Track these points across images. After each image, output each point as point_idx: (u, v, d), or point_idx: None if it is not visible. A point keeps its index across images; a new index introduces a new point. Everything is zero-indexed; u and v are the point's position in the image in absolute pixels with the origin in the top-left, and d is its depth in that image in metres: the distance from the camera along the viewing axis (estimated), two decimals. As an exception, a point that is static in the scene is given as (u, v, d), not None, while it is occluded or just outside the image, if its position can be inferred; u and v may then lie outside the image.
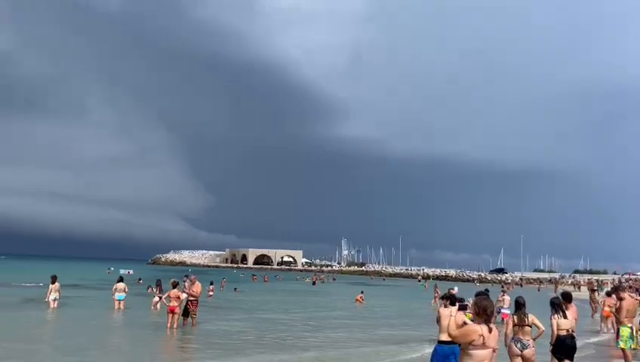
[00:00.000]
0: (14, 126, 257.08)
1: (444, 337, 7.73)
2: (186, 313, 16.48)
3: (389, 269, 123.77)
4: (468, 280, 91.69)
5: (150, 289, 26.21)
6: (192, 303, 16.58)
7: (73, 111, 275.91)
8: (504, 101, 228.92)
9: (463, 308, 7.51)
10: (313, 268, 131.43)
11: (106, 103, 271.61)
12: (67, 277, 42.70)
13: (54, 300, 20.34)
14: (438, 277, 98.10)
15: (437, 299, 31.06)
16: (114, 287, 21.65)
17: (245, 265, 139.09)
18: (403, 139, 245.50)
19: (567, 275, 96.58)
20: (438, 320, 8.21)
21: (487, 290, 10.20)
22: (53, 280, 20.75)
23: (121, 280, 22.22)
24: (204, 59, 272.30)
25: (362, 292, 32.97)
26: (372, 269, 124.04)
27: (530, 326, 8.56)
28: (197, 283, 17.14)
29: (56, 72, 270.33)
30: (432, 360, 8.03)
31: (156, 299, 21.74)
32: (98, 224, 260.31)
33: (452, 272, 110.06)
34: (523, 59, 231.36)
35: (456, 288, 16.57)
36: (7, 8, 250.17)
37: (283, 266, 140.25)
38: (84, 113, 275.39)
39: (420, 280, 71.18)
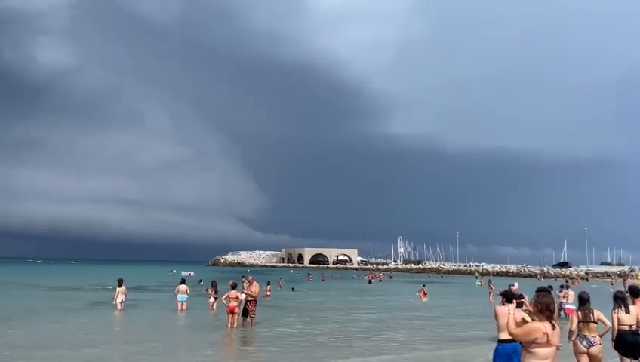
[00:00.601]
0: (78, 137, 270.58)
1: (504, 336, 7.53)
2: (245, 313, 16.82)
3: (447, 266, 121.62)
4: (530, 276, 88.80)
5: (207, 290, 26.81)
6: (250, 303, 16.90)
7: (132, 121, 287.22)
8: (564, 90, 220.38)
9: (519, 304, 7.31)
10: (369, 266, 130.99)
11: (162, 111, 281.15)
12: (132, 280, 44.51)
13: (121, 302, 21.25)
14: (498, 273, 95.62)
15: (492, 295, 30.33)
16: (176, 289, 22.37)
17: (301, 265, 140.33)
18: (457, 132, 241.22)
19: (637, 268, 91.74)
20: (495, 318, 8.01)
21: (550, 287, 9.81)
22: (120, 283, 21.71)
23: (183, 282, 22.92)
24: (256, 62, 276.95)
25: (424, 286, 32.63)
26: (429, 266, 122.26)
27: (596, 323, 8.23)
28: (255, 283, 17.49)
29: (115, 84, 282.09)
30: (494, 360, 7.84)
31: (212, 299, 22.35)
32: (159, 227, 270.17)
33: (513, 268, 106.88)
34: (585, 44, 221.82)
35: (516, 284, 16.06)
36: (69, 25, 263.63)
37: (339, 265, 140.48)
38: (142, 122, 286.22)
39: (477, 277, 69.50)
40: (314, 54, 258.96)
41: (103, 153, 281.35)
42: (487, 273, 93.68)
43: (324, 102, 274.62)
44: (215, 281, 24.16)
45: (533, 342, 5.08)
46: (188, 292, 22.25)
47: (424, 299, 30.51)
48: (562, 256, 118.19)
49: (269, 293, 30.76)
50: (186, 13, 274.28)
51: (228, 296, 16.34)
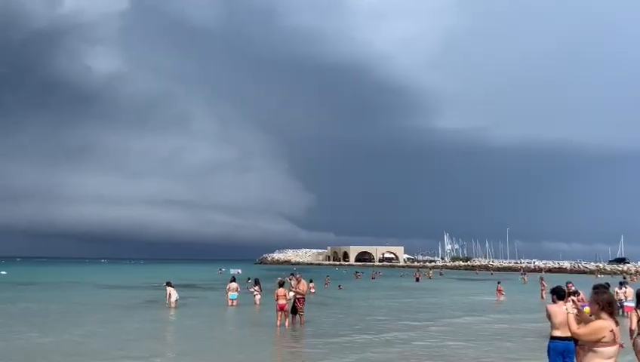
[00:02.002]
0: (129, 140, 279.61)
1: (558, 333, 7.41)
2: (294, 311, 16.96)
3: (497, 263, 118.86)
4: (584, 272, 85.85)
5: (249, 288, 26.88)
6: (299, 301, 17.04)
7: (181, 123, 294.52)
8: (616, 80, 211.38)
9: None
10: (416, 263, 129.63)
11: (209, 113, 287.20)
12: (183, 279, 45.74)
13: (176, 300, 21.89)
14: (550, 270, 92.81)
15: (544, 293, 29.41)
16: (227, 287, 22.89)
17: (347, 263, 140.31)
18: (504, 126, 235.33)
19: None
20: (549, 317, 7.84)
21: (607, 284, 9.44)
22: (169, 284, 22.41)
23: (233, 280, 23.41)
24: (299, 62, 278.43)
25: (499, 283, 31.67)
26: (478, 263, 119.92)
27: (658, 320, 7.88)
28: (302, 281, 17.63)
29: (164, 88, 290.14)
30: (549, 357, 7.69)
31: (258, 296, 22.79)
32: (208, 227, 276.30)
33: (566, 264, 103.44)
34: (634, 36, 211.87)
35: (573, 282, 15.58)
36: (118, 33, 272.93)
37: (385, 263, 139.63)
38: (190, 124, 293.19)
39: (522, 273, 67.45)
40: (357, 52, 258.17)
41: (153, 156, 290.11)
42: (540, 269, 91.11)
43: (367, 99, 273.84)
44: (258, 279, 24.56)
45: (600, 341, 4.90)
46: (238, 289, 22.75)
47: (501, 298, 29.77)
48: (618, 252, 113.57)
49: (313, 290, 31.03)
50: (229, 15, 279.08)
51: (277, 293, 16.51)
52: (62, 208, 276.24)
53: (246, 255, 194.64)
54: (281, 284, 16.78)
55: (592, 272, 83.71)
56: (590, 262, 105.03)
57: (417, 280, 55.19)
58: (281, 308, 16.30)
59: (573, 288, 11.64)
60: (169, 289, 22.21)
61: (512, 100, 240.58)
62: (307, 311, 17.98)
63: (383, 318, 19.33)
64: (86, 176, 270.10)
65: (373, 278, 61.65)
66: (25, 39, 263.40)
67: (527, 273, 71.04)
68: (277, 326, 16.11)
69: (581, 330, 5.04)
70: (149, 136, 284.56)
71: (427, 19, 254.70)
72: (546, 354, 7.75)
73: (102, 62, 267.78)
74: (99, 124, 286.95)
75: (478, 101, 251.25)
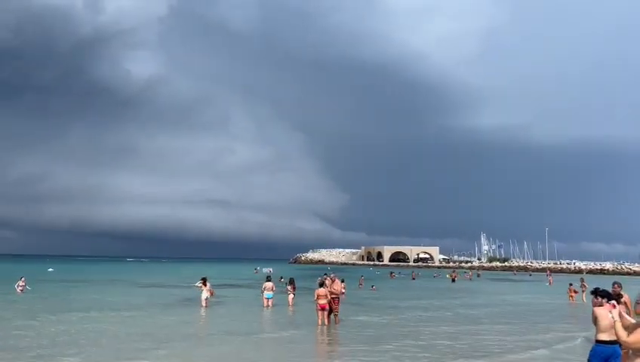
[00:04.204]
0: (168, 142, 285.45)
1: (604, 337, 7.23)
2: (329, 311, 17.03)
3: (535, 264, 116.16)
4: (628, 274, 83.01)
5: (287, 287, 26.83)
6: (334, 301, 17.11)
7: (218, 125, 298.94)
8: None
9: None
10: (451, 264, 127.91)
11: (246, 114, 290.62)
12: (219, 278, 46.38)
13: (206, 299, 22.17)
14: (591, 271, 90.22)
15: (585, 295, 28.55)
16: (263, 286, 23.07)
17: (381, 263, 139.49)
18: (543, 125, 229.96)
19: None
20: (595, 321, 7.65)
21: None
22: (204, 281, 22.69)
23: (269, 279, 23.60)
24: (336, 62, 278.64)
25: (571, 284, 31.04)
26: (516, 264, 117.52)
27: None
28: (337, 281, 17.72)
29: (201, 90, 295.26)
30: (590, 360, 7.53)
31: (291, 296, 22.88)
32: (244, 226, 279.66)
33: (608, 265, 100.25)
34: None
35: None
36: (157, 37, 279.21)
37: (420, 263, 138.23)
38: (227, 125, 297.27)
39: (548, 274, 65.70)
40: (394, 52, 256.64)
41: (191, 157, 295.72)
42: (580, 271, 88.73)
43: (404, 99, 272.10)
44: (293, 278, 24.66)
45: None
46: (274, 289, 22.91)
47: (574, 300, 28.95)
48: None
49: (344, 291, 30.94)
50: (265, 18, 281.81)
51: (317, 293, 16.59)
52: (104, 208, 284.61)
53: (280, 254, 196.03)
54: (321, 284, 16.89)
55: (635, 274, 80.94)
56: (634, 263, 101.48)
57: (453, 280, 54.33)
58: (322, 308, 16.43)
59: (619, 290, 10.87)
60: (204, 286, 22.50)
61: (550, 98, 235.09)
62: (342, 312, 17.98)
63: (414, 317, 19.02)
64: (127, 176, 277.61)
65: (414, 278, 60.65)
66: (70, 46, 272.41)
67: (551, 274, 69.16)
68: (318, 324, 16.23)
69: (631, 338, 4.89)
70: (187, 137, 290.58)
71: (465, 18, 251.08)
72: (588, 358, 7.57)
73: (142, 66, 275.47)
74: (139, 126, 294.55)
75: (515, 100, 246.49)
